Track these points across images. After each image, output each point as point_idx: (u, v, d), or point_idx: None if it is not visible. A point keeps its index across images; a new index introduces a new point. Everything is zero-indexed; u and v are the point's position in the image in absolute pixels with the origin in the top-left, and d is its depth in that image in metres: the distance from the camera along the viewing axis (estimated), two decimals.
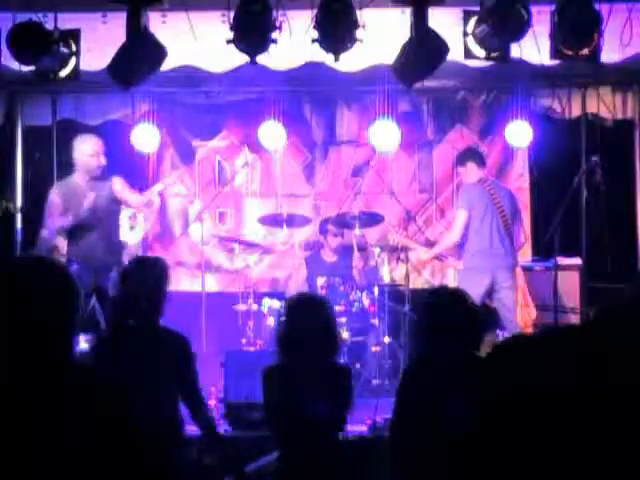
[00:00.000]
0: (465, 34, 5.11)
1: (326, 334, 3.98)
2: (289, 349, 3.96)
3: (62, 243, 6.27)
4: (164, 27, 5.63)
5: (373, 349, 7.00)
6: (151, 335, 3.92)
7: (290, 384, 3.90)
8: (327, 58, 5.24)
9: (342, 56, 5.11)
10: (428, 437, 3.31)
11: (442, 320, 3.52)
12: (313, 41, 5.01)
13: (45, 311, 2.02)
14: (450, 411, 3.13)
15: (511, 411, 1.71)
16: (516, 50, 5.21)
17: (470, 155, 6.87)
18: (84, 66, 5.43)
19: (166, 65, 5.46)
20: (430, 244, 7.47)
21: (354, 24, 4.98)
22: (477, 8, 5.05)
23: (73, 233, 6.16)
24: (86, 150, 6.17)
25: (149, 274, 3.98)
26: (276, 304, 6.95)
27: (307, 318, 3.96)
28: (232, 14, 5.01)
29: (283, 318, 4.22)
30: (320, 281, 7.09)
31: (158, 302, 3.96)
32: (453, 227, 6.61)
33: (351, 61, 5.54)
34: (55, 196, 6.25)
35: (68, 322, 2.08)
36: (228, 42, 5.03)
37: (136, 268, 4.11)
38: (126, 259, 6.47)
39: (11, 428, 1.93)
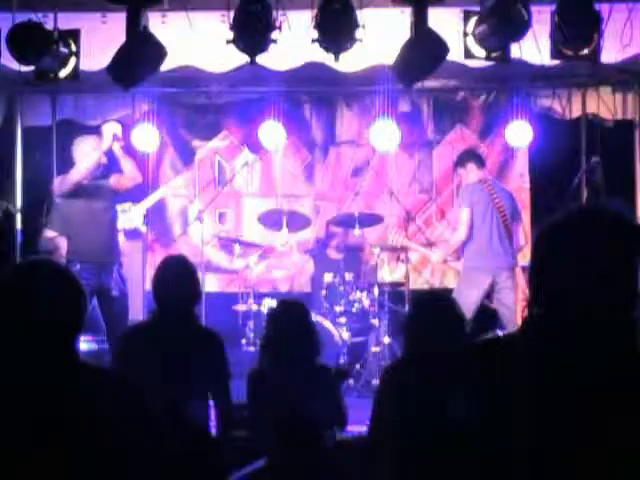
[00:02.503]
0: (465, 34, 5.10)
1: (307, 337, 4.11)
2: (272, 352, 4.09)
3: (62, 243, 6.26)
4: (164, 27, 5.63)
5: (373, 349, 7.00)
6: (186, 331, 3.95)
7: (274, 386, 3.99)
8: (327, 58, 5.24)
9: (342, 56, 5.11)
10: (409, 436, 3.30)
11: (424, 321, 3.54)
12: (313, 41, 5.01)
13: (49, 312, 2.03)
14: (435, 411, 3.12)
15: (495, 408, 1.71)
16: (516, 50, 5.20)
17: (469, 156, 6.86)
18: (84, 66, 5.42)
19: (166, 65, 5.45)
20: (431, 244, 7.47)
21: (354, 24, 4.98)
22: (477, 8, 5.05)
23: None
24: (86, 150, 6.17)
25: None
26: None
27: (289, 322, 4.12)
28: (232, 14, 5.01)
29: (265, 323, 4.32)
30: (327, 277, 7.11)
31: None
32: (459, 226, 6.60)
33: (351, 61, 5.54)
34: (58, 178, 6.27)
35: (73, 323, 2.09)
36: (228, 42, 5.02)
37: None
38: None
39: (17, 429, 1.93)
